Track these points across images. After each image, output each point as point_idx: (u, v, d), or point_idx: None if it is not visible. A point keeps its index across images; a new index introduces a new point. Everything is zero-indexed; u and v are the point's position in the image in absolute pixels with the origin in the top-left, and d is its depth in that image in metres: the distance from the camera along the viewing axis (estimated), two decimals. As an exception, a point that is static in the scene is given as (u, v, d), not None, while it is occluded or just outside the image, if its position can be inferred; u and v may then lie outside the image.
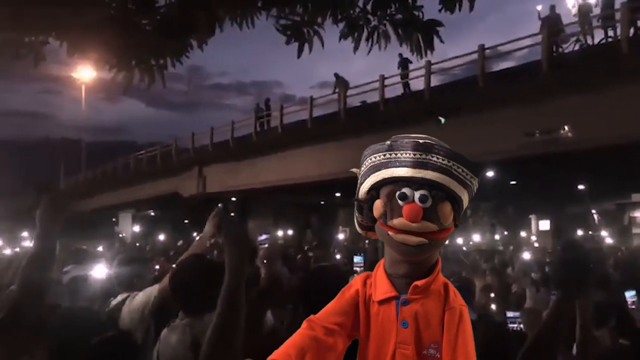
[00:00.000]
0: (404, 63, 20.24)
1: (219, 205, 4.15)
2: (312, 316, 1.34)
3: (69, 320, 2.48)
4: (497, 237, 31.12)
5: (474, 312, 5.18)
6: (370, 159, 1.33)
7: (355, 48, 3.71)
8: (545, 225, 33.72)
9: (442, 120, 16.37)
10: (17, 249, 21.67)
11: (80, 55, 3.88)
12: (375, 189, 1.31)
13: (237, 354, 1.86)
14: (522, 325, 5.17)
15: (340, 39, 3.69)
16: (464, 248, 15.97)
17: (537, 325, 2.47)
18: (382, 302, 1.32)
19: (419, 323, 1.28)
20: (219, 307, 1.92)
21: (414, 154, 1.26)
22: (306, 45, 3.68)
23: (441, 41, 3.79)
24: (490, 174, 24.56)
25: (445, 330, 1.27)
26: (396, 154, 1.28)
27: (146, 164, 35.86)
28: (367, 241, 19.40)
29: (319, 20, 3.70)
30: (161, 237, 33.08)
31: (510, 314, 5.56)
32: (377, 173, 1.30)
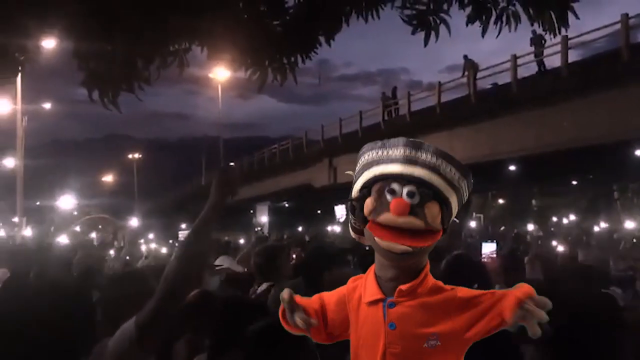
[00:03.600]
0: (537, 40, 19.19)
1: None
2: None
3: (228, 307, 2.69)
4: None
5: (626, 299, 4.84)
6: (364, 157, 1.36)
7: (484, 32, 3.60)
8: None
9: None
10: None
11: (219, 58, 4.12)
12: (367, 187, 1.33)
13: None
14: None
15: (467, 24, 3.60)
16: (615, 235, 14.80)
17: None
18: (370, 304, 1.35)
19: (409, 323, 1.29)
20: None
21: (404, 151, 1.30)
22: (432, 33, 3.64)
23: (576, 17, 3.56)
24: (639, 152, 22.59)
25: (472, 310, 1.29)
26: (387, 152, 1.32)
27: (279, 158, 37.16)
28: (502, 227, 18.71)
29: (445, 7, 3.63)
30: (297, 228, 34.09)
31: None
32: (369, 170, 1.33)
